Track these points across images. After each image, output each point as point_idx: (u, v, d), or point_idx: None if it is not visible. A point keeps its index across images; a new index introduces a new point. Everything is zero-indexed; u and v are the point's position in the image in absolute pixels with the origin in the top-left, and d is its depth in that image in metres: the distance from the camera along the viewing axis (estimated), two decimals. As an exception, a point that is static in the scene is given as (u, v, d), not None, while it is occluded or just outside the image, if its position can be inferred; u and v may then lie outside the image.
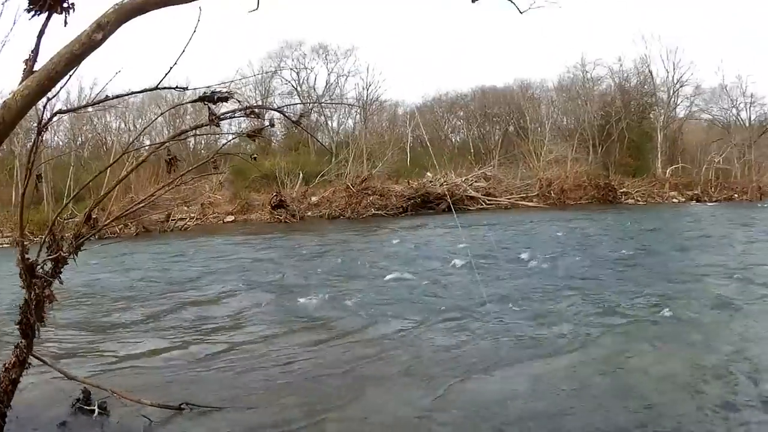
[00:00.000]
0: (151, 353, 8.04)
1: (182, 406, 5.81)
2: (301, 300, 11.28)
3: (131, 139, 23.12)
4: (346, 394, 6.43)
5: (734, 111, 54.45)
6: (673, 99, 52.48)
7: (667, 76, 51.47)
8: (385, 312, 10.19)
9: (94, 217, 5.40)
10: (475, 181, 38.44)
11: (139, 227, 26.76)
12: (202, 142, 41.08)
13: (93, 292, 12.69)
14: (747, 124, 53.87)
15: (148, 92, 4.92)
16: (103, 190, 6.11)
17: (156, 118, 36.36)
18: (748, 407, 5.81)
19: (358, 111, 48.15)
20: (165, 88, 4.58)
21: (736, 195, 46.94)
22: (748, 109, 54.04)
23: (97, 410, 5.71)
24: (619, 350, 7.84)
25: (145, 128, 28.24)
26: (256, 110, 5.25)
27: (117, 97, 4.88)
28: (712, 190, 46.79)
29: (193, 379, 6.90)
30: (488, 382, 6.76)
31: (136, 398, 5.75)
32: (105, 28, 3.49)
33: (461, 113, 59.49)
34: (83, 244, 5.17)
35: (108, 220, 6.93)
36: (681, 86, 52.00)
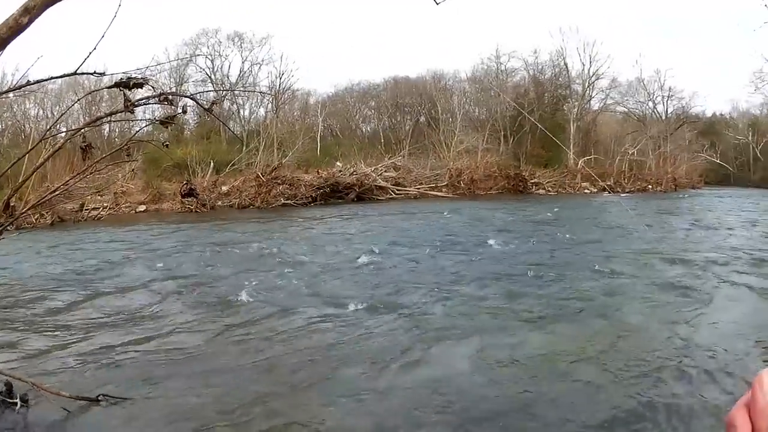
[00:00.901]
0: (68, 345, 8.29)
1: (99, 398, 6.11)
2: (215, 290, 11.73)
3: (48, 126, 22.92)
4: (264, 384, 6.77)
5: (651, 104, 59.11)
6: (588, 91, 56.54)
7: (583, 69, 55.70)
8: (299, 301, 10.71)
9: (12, 205, 5.98)
10: (385, 171, 40.76)
11: (55, 217, 27.26)
12: (116, 130, 42.03)
13: (10, 283, 13.07)
14: (663, 117, 58.41)
15: (66, 78, 5.92)
16: (20, 179, 6.50)
17: (73, 104, 37.35)
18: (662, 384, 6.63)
19: (270, 100, 50.16)
20: (83, 73, 4.87)
21: (650, 186, 50.93)
22: (665, 103, 58.78)
23: (19, 403, 6.00)
24: (541, 334, 8.55)
25: (62, 115, 29.63)
26: (170, 97, 5.46)
27: (37, 82, 5.11)
28: (626, 181, 50.37)
29: (109, 370, 7.22)
30: (414, 369, 7.27)
31: (56, 391, 6.02)
32: (32, 11, 3.59)
33: (372, 103, 62.43)
34: (2, 232, 5.65)
35: (25, 209, 7.34)
36: (597, 79, 56.21)
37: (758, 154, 69.71)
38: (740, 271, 13.42)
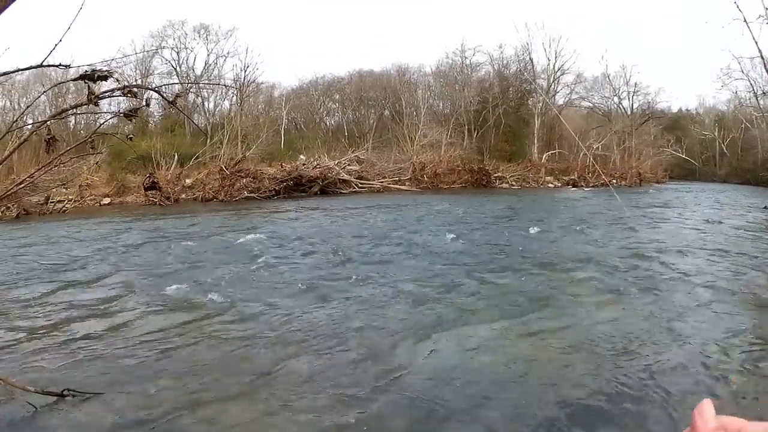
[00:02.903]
0: (33, 339, 8.30)
1: (65, 393, 6.12)
2: (179, 284, 11.67)
3: (15, 118, 22.95)
4: (227, 378, 6.83)
5: (616, 99, 61.51)
6: (553, 86, 58.22)
7: (548, 64, 57.45)
8: (265, 293, 10.86)
9: (-21, 198, 6.35)
10: (348, 165, 41.63)
11: (20, 209, 27.32)
12: (82, 122, 42.96)
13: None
14: (629, 112, 60.72)
15: (33, 70, 6.32)
16: (-13, 171, 6.75)
17: (39, 96, 37.47)
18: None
19: (235, 92, 51.31)
20: (49, 65, 4.96)
21: (614, 181, 52.42)
22: (630, 98, 61.23)
23: (-17, 398, 5.90)
24: (512, 327, 8.73)
25: (28, 107, 29.96)
26: (134, 90, 5.53)
27: (4, 74, 5.25)
28: (590, 175, 51.38)
29: (75, 365, 7.26)
30: (387, 361, 7.37)
31: (21, 385, 6.03)
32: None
33: (337, 96, 64.22)
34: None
35: (-8, 201, 7.35)
36: (562, 74, 58.00)
37: (725, 150, 72.08)
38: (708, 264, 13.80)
